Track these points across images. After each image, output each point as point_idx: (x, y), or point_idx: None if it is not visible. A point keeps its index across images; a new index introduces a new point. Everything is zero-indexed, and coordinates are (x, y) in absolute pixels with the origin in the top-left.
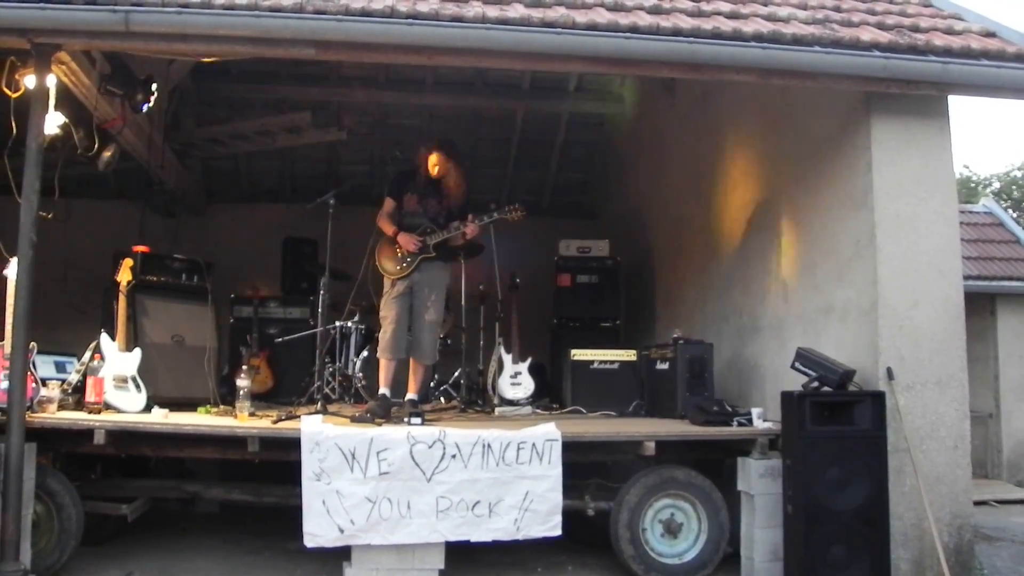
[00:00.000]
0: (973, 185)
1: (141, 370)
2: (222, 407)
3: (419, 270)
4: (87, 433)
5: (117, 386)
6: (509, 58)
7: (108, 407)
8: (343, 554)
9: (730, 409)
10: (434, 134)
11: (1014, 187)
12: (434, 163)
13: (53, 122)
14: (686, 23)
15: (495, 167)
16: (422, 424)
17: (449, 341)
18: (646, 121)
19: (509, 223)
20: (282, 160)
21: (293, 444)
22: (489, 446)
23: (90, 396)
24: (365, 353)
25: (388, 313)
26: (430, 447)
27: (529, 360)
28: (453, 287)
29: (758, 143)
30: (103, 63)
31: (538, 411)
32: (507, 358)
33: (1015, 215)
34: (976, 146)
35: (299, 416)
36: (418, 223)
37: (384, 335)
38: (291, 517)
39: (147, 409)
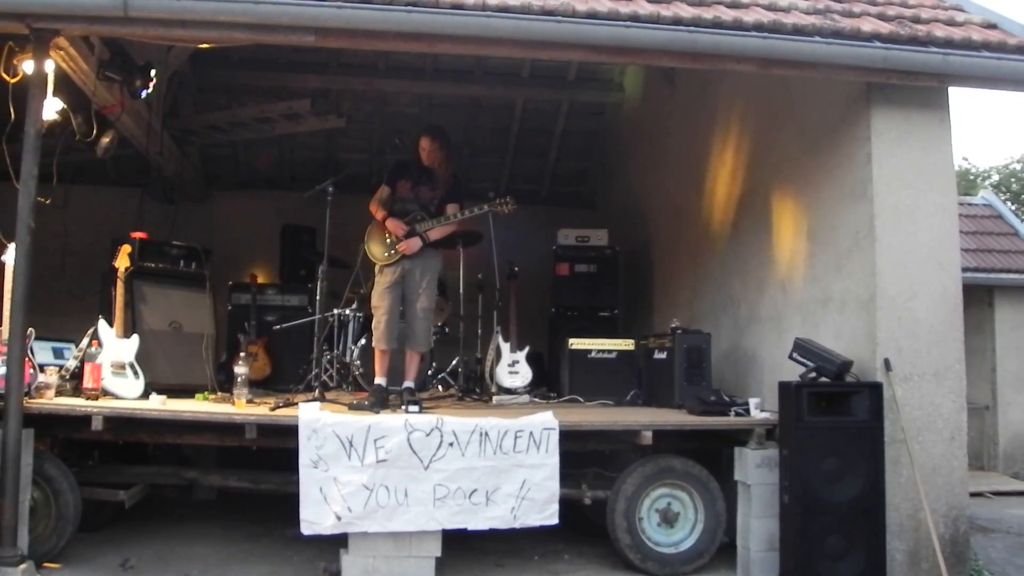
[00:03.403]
0: (972, 177)
1: (139, 356)
2: (220, 394)
3: (408, 256)
4: (85, 419)
5: (115, 372)
6: (509, 46)
7: (106, 393)
8: (340, 541)
9: (728, 399)
10: (431, 122)
11: (1013, 180)
12: (423, 147)
13: (51, 108)
14: (687, 12)
15: (494, 156)
16: (419, 412)
17: (447, 329)
18: (646, 110)
19: (506, 212)
20: (281, 147)
21: (291, 431)
22: (487, 434)
23: (88, 382)
24: (363, 341)
25: (380, 304)
26: (427, 435)
27: (527, 349)
28: (452, 275)
29: (758, 133)
30: (102, 49)
31: (536, 400)
32: (505, 347)
33: (1014, 208)
34: (975, 138)
35: (297, 403)
36: (409, 209)
37: (378, 326)
38: (288, 504)
39: (145, 396)
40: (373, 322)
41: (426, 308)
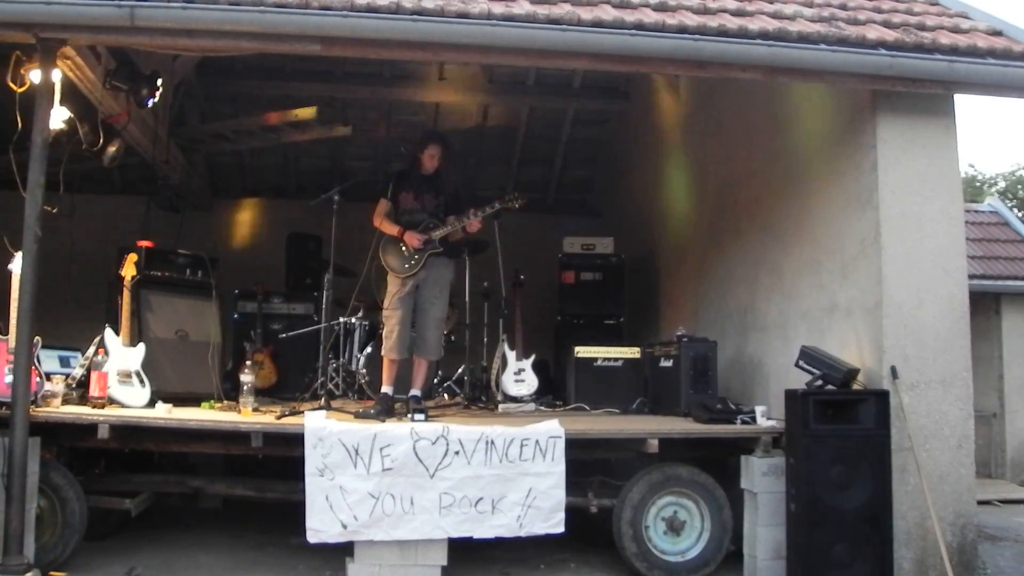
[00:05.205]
0: (978, 184)
1: (145, 365)
2: (226, 402)
3: (426, 267)
4: (91, 428)
5: (121, 381)
6: (514, 54)
7: (112, 402)
8: (346, 550)
9: (734, 407)
10: (428, 130)
11: (1020, 186)
12: (432, 155)
13: (58, 117)
14: (692, 20)
15: (500, 164)
16: (425, 420)
17: (453, 337)
18: (651, 118)
19: (513, 217)
20: (286, 156)
21: (296, 440)
22: (492, 443)
23: (94, 391)
24: (369, 349)
25: (394, 313)
26: (433, 443)
27: (533, 357)
28: (457, 284)
29: (763, 141)
30: (108, 58)
31: (541, 408)
32: (511, 355)
33: (1020, 214)
34: (982, 145)
35: (303, 412)
36: (419, 219)
37: (391, 335)
38: (294, 513)
39: (151, 404)
40: (384, 331)
41: (439, 318)
